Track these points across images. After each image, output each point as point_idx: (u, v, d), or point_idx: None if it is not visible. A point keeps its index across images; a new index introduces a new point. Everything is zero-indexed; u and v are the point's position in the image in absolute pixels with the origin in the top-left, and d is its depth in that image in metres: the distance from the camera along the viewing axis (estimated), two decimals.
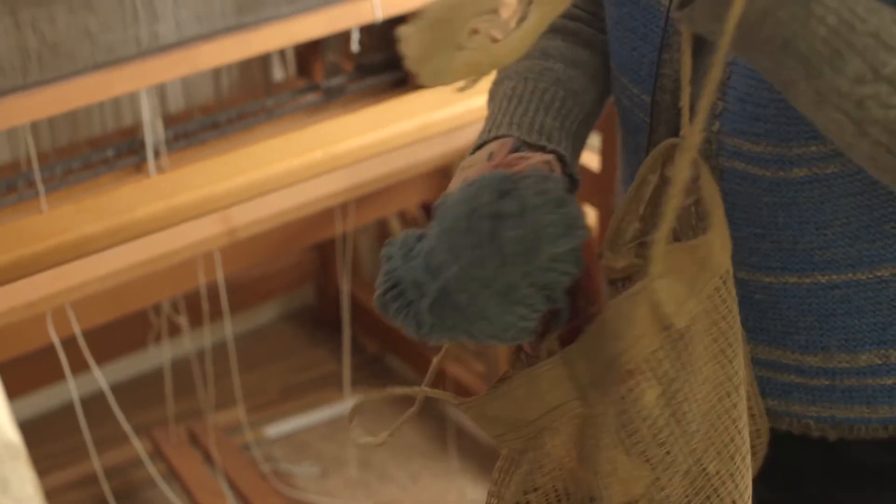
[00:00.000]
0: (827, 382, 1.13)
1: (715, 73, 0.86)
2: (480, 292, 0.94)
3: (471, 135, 2.37)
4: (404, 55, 0.84)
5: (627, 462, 0.95)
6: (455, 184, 1.07)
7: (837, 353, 1.11)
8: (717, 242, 0.95)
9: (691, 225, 0.99)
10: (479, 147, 1.14)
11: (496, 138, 1.13)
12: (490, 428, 1.02)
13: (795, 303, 1.10)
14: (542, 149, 1.12)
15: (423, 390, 1.09)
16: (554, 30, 1.25)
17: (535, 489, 1.03)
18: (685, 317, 0.93)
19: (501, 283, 0.94)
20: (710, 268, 0.95)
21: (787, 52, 0.87)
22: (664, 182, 1.00)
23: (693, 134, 0.89)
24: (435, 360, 1.12)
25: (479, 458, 2.79)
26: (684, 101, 0.99)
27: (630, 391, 0.93)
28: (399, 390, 1.08)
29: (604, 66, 1.25)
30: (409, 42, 0.83)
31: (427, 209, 3.01)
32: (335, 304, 2.98)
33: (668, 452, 0.95)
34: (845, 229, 1.06)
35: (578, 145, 1.18)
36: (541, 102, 1.17)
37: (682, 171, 0.89)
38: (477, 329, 0.96)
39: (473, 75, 0.84)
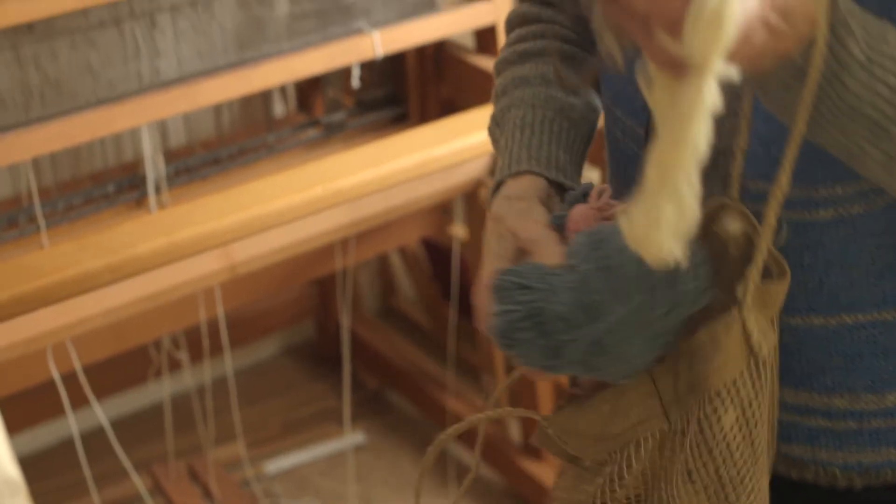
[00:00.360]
0: (854, 426, 1.11)
1: (792, 149, 0.91)
2: (634, 336, 0.97)
3: (471, 170, 2.38)
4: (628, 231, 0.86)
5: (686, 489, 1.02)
6: (514, 222, 1.07)
7: (865, 394, 1.10)
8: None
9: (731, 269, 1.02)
10: (500, 182, 1.14)
11: (518, 173, 1.13)
12: (572, 441, 1.07)
13: (822, 344, 1.09)
14: (561, 185, 1.13)
15: (510, 411, 1.16)
16: (551, 53, 1.25)
17: (611, 500, 1.07)
18: (768, 346, 0.99)
19: (657, 329, 0.97)
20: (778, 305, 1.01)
21: (853, 119, 0.88)
22: (706, 234, 1.00)
23: (777, 194, 0.94)
24: (502, 386, 1.20)
25: (480, 494, 2.79)
26: (735, 171, 1.00)
27: (714, 412, 0.99)
28: (487, 414, 1.13)
29: (594, 95, 1.25)
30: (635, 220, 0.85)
31: (427, 245, 3.01)
32: (335, 339, 2.98)
33: (738, 472, 1.01)
34: (871, 269, 1.05)
35: (581, 176, 1.19)
36: (552, 134, 1.17)
37: (770, 221, 0.95)
38: (612, 368, 1.00)
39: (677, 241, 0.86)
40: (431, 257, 3.02)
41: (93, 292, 1.95)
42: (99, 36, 2.06)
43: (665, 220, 0.83)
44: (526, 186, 1.13)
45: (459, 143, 2.18)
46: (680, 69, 0.79)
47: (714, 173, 0.96)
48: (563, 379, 1.27)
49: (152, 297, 2.14)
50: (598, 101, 1.26)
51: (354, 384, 2.89)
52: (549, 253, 1.03)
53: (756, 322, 0.97)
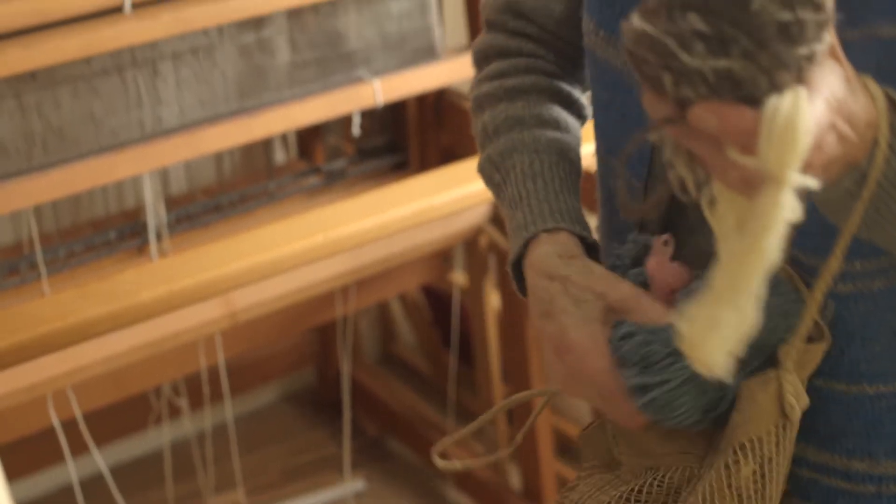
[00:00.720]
0: (873, 489, 1.10)
1: (843, 243, 0.94)
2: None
3: (471, 218, 2.39)
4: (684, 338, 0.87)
5: None
6: (592, 281, 1.06)
7: (885, 460, 1.09)
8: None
9: None
10: (531, 238, 1.13)
11: (553, 230, 1.13)
12: (623, 446, 1.11)
13: (843, 408, 1.09)
14: (584, 239, 1.13)
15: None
16: (540, 90, 1.25)
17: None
18: (801, 408, 1.01)
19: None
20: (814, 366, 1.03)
21: None
22: None
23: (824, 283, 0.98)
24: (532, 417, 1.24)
25: None
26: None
27: (735, 462, 1.01)
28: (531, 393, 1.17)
29: (579, 133, 1.25)
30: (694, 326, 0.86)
31: (428, 291, 3.01)
32: (335, 385, 2.98)
33: None
34: (892, 343, 1.05)
35: None
36: (562, 182, 1.17)
37: (817, 296, 0.99)
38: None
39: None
40: (432, 304, 3.02)
41: (94, 340, 1.95)
42: (101, 84, 2.07)
43: (725, 329, 0.84)
44: (567, 243, 1.12)
45: (459, 191, 2.19)
46: (752, 185, 0.79)
47: None
48: (564, 424, 1.28)
49: (153, 344, 2.15)
50: (580, 129, 1.26)
51: (354, 431, 2.89)
52: (653, 311, 1.02)
53: (792, 383, 1.00)
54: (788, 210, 0.78)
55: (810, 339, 1.01)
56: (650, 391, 1.00)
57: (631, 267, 1.09)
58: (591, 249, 1.13)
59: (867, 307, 1.04)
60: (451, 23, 2.56)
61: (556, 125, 1.22)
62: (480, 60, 1.32)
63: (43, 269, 2.09)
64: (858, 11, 0.94)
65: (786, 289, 1.01)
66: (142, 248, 2.20)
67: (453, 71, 2.39)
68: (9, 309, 1.94)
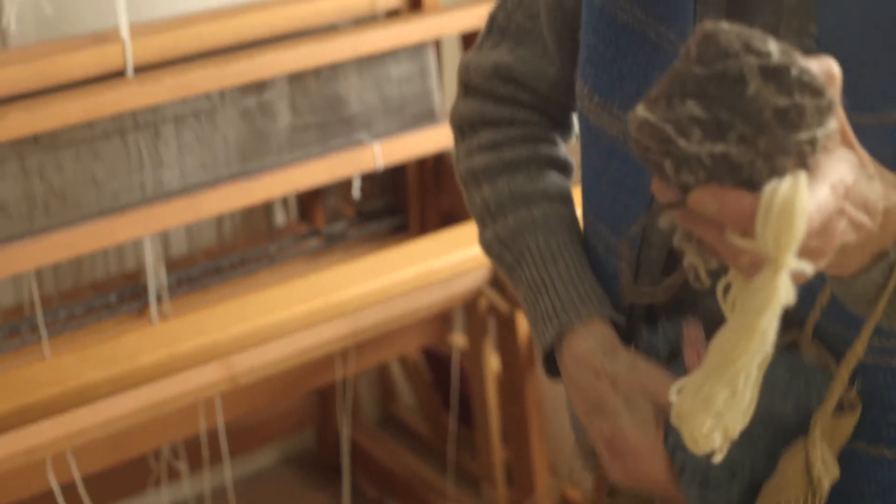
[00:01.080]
0: None
1: (868, 329, 0.96)
2: None
3: (470, 281, 2.39)
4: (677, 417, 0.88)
5: None
6: (642, 381, 1.08)
7: None
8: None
9: None
10: (565, 328, 1.13)
11: (586, 318, 1.13)
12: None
13: (862, 469, 1.09)
14: (615, 322, 1.14)
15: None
16: (538, 161, 1.24)
17: None
18: (829, 481, 1.02)
19: None
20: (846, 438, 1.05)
21: None
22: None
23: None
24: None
25: None
26: (812, 318, 1.03)
27: None
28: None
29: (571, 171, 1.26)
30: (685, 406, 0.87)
31: (427, 353, 3.01)
32: (335, 448, 2.97)
33: None
34: None
35: None
36: (581, 262, 1.17)
37: (843, 375, 1.00)
38: None
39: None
40: (431, 366, 3.02)
41: (94, 403, 1.95)
42: (104, 147, 2.08)
43: (715, 403, 0.85)
44: (605, 335, 1.12)
45: (459, 254, 2.20)
46: (755, 269, 0.80)
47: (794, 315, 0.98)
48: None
49: (152, 407, 2.14)
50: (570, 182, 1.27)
51: (354, 493, 2.88)
52: None
53: (821, 454, 1.00)
54: (783, 293, 0.79)
55: (840, 409, 1.02)
56: (708, 500, 1.04)
57: (667, 357, 1.10)
58: (616, 327, 1.14)
59: (887, 379, 1.05)
60: (451, 87, 2.57)
61: (561, 198, 1.22)
62: (465, 129, 1.29)
63: (43, 331, 2.09)
64: (872, 97, 0.95)
65: (810, 362, 1.02)
66: (142, 311, 2.21)
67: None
68: (9, 373, 1.94)
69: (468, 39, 2.45)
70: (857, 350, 0.97)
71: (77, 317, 2.17)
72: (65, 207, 2.06)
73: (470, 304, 2.54)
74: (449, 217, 2.50)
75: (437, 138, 2.39)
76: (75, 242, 2.05)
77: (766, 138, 0.77)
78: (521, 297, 1.20)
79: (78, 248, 2.06)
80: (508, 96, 1.26)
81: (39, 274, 2.18)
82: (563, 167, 1.27)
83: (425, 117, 2.40)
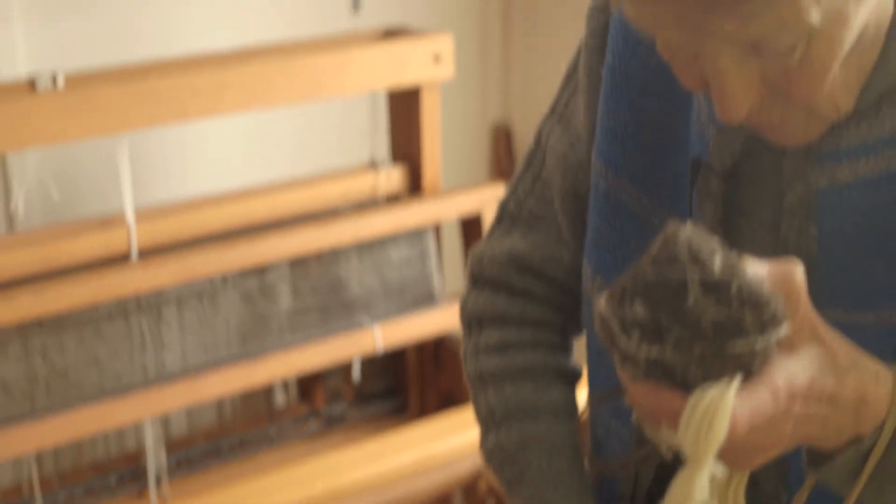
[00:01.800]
0: None
1: None
2: None
3: (470, 465, 2.38)
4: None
5: None
6: None
7: None
8: None
9: None
10: None
11: None
12: None
13: None
14: None
15: None
16: (548, 371, 1.22)
17: None
18: None
19: None
20: None
21: None
22: None
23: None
24: None
25: None
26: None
27: None
28: None
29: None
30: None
31: None
32: None
33: None
34: None
35: None
36: (582, 486, 1.17)
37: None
38: None
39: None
40: None
41: None
42: (106, 328, 2.09)
43: None
44: None
45: (459, 438, 2.20)
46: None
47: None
48: None
49: None
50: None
51: None
52: None
53: None
54: (699, 492, 0.82)
55: None
56: None
57: None
58: None
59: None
60: (451, 270, 2.61)
61: (567, 413, 1.21)
62: (473, 324, 1.26)
63: None
64: (872, 297, 0.96)
65: None
66: (141, 492, 2.20)
67: (453, 317, 2.41)
68: None
69: (467, 223, 2.49)
70: None
71: (76, 498, 2.16)
72: (66, 388, 2.06)
73: (469, 487, 2.53)
74: (448, 398, 2.51)
75: (436, 321, 2.41)
76: (76, 425, 2.05)
77: (702, 346, 0.79)
78: None
79: (79, 431, 2.06)
80: (523, 289, 1.24)
81: (39, 454, 2.18)
82: (572, 377, 1.25)
83: (425, 300, 2.42)
